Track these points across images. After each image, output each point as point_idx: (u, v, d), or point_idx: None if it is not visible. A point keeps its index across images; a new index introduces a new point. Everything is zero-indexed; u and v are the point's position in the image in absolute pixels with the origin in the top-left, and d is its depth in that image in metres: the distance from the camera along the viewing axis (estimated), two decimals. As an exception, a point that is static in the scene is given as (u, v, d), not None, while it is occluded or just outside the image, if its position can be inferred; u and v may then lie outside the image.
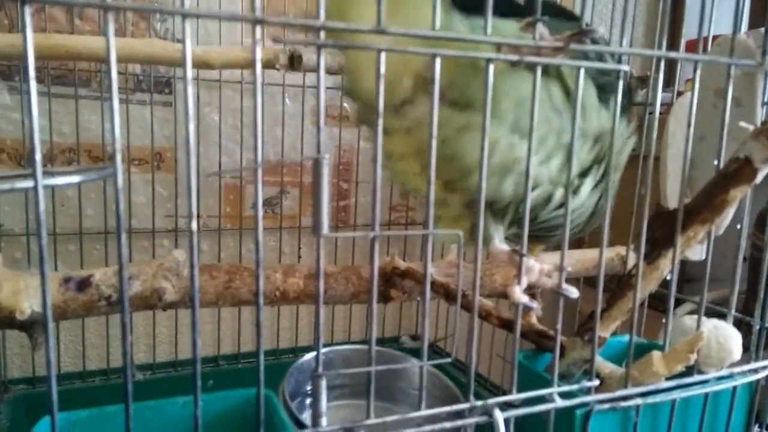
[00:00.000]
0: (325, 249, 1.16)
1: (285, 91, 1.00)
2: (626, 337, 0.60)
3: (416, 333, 1.19)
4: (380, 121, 0.33)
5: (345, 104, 1.04)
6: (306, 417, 0.54)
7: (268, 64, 0.78)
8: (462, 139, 0.36)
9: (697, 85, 0.43)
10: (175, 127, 0.93)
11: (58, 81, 0.86)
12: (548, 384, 0.41)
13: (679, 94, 0.80)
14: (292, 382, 0.56)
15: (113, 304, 0.48)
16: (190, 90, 0.29)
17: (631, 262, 0.69)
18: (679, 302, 0.81)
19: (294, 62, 0.78)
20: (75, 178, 0.30)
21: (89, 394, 0.91)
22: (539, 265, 0.41)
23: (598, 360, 0.50)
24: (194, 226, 0.31)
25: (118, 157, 0.28)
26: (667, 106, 1.02)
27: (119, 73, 0.90)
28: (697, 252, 0.61)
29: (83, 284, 0.47)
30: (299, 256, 1.07)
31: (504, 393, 0.40)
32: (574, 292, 0.38)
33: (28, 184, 0.27)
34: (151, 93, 0.91)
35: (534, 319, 0.54)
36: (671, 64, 1.12)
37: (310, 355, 0.62)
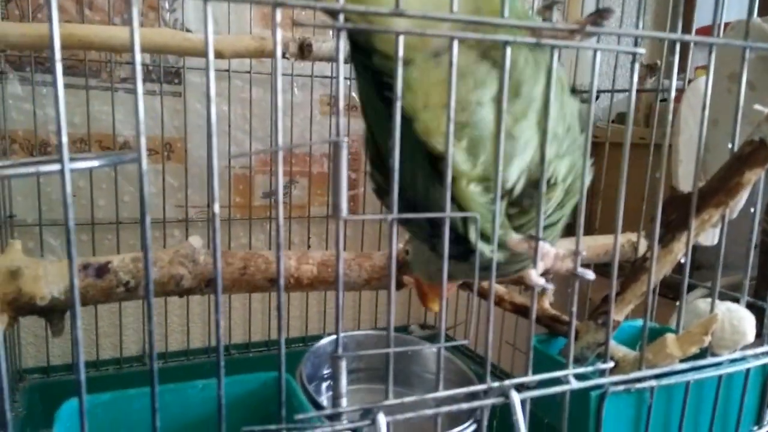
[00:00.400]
0: (333, 237, 1.17)
1: (293, 80, 1.00)
2: (638, 322, 0.61)
3: (425, 322, 1.19)
4: (399, 104, 0.33)
5: (354, 94, 1.04)
6: (323, 400, 0.55)
7: (277, 53, 0.78)
8: (490, 107, 0.36)
9: (712, 69, 0.43)
10: (184, 117, 0.93)
11: (69, 72, 0.86)
12: (562, 367, 0.41)
13: (689, 82, 0.80)
14: (309, 366, 0.56)
15: (131, 290, 0.49)
16: (212, 75, 0.30)
17: (642, 249, 0.70)
18: (690, 288, 0.81)
19: (304, 51, 0.78)
20: (98, 162, 0.31)
21: (103, 382, 0.93)
22: (554, 250, 0.41)
23: (612, 343, 0.50)
24: (216, 208, 0.31)
25: (143, 140, 0.29)
26: (678, 94, 1.01)
27: (127, 63, 0.90)
28: (709, 237, 0.61)
29: (102, 270, 0.47)
30: (308, 246, 1.08)
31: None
32: (590, 275, 0.38)
33: (55, 167, 0.27)
34: (160, 83, 0.91)
35: (547, 304, 0.54)
36: (683, 51, 1.11)
37: (325, 340, 0.62)
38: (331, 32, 1.01)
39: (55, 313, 0.47)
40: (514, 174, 0.38)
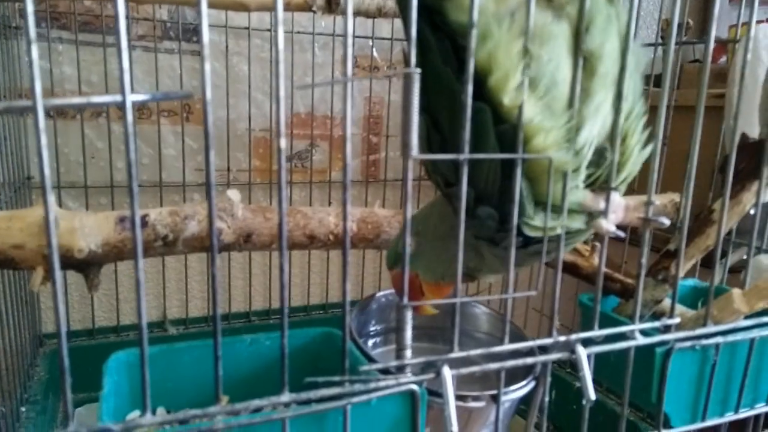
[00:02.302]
0: (354, 203, 1.14)
1: (314, 40, 0.97)
2: (688, 281, 0.59)
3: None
4: (475, 18, 0.30)
5: (375, 54, 1.01)
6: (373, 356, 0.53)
7: (304, 6, 0.75)
8: (567, 64, 0.34)
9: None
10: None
11: (84, 28, 0.83)
12: (617, 324, 0.39)
13: (720, 41, 0.76)
14: (355, 323, 0.55)
15: (169, 244, 0.47)
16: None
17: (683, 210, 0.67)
18: (725, 253, 0.79)
19: (331, 4, 0.75)
20: (156, 96, 0.28)
21: (123, 348, 0.91)
22: (625, 201, 0.39)
23: (669, 301, 0.48)
24: (283, 143, 0.29)
25: (207, 66, 0.27)
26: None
27: (144, 19, 0.87)
28: (761, 194, 0.59)
29: (140, 223, 0.45)
30: (329, 212, 1.05)
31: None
32: (666, 221, 0.36)
33: (116, 98, 0.25)
34: (179, 41, 0.88)
35: (597, 261, 0.52)
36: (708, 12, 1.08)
37: (371, 297, 0.60)
38: (354, -12, 0.97)
39: (92, 267, 0.45)
40: (582, 139, 0.36)
